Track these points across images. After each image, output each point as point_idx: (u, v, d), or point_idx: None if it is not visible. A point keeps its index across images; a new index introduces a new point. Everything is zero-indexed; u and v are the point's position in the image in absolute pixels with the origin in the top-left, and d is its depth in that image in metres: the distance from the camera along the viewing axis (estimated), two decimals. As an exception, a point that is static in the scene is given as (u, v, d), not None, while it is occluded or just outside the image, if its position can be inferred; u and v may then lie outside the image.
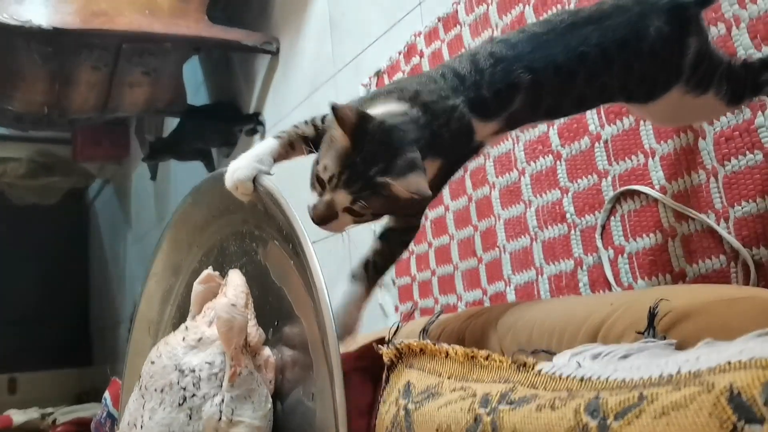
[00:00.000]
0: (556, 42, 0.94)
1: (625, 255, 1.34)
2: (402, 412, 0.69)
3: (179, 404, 0.88)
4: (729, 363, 0.40)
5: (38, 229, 5.45)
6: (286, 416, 0.95)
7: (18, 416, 4.00)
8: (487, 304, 1.69)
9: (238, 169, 0.96)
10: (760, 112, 1.13)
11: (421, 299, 1.92)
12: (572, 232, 1.46)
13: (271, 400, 0.94)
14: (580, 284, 1.43)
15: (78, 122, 3.39)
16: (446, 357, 0.72)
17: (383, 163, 0.84)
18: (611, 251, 1.37)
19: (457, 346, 0.72)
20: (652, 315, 0.67)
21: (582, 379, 0.52)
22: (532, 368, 0.59)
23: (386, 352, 0.83)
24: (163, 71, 2.85)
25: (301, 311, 0.93)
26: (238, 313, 0.90)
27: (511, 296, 1.61)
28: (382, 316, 2.05)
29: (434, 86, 0.94)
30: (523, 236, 1.58)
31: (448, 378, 0.69)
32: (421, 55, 1.94)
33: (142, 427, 0.90)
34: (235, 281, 0.98)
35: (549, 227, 1.51)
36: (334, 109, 0.83)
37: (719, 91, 1.01)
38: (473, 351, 0.69)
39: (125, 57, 2.65)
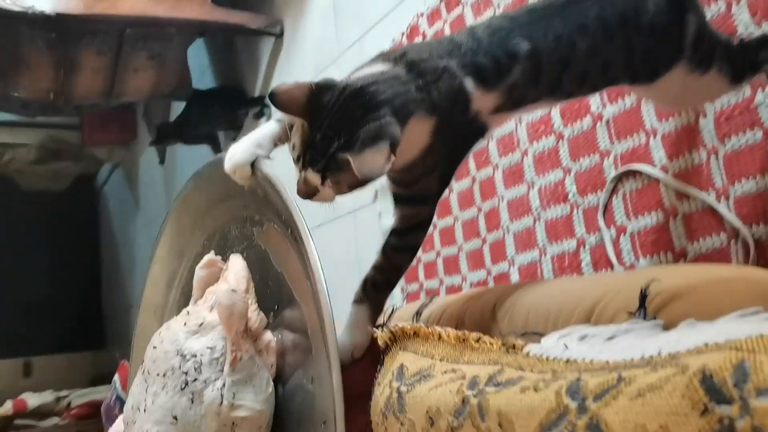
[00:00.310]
0: (555, 14, 0.92)
1: (627, 234, 1.34)
2: (395, 395, 0.70)
3: (181, 389, 0.89)
4: (706, 344, 0.41)
5: (49, 214, 5.49)
6: (287, 399, 0.96)
7: (33, 399, 4.05)
8: (491, 284, 1.69)
9: (236, 153, 0.96)
10: (760, 90, 1.12)
11: (426, 280, 1.93)
12: (575, 212, 1.46)
13: (272, 383, 0.95)
14: (583, 264, 1.44)
15: (84, 108, 3.39)
16: (439, 340, 0.72)
17: (345, 135, 0.79)
18: (613, 231, 1.37)
19: (449, 329, 0.73)
20: (643, 296, 0.67)
21: (567, 361, 0.52)
22: (521, 350, 0.60)
23: (381, 336, 0.83)
24: (167, 56, 2.84)
25: (300, 296, 0.93)
26: (239, 298, 0.91)
27: (514, 277, 1.62)
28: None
29: (426, 47, 0.92)
30: (526, 216, 1.59)
31: (440, 360, 0.70)
32: (424, 36, 1.93)
33: (145, 410, 0.91)
34: (237, 266, 0.99)
35: (551, 207, 1.52)
36: (271, 95, 0.81)
37: (721, 69, 1.01)
38: (464, 334, 0.69)
39: (129, 42, 2.64)
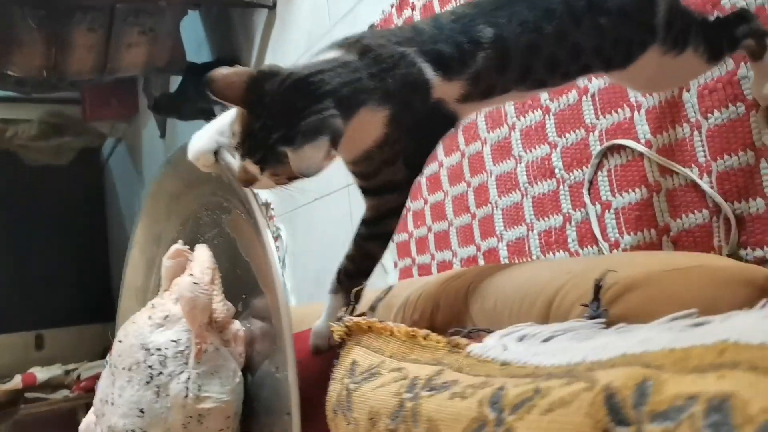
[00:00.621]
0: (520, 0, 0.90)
1: (612, 210, 1.33)
2: (344, 392, 0.69)
3: (146, 382, 0.89)
4: (624, 355, 0.40)
5: (56, 189, 5.51)
6: (257, 388, 0.96)
7: (41, 374, 4.10)
8: (481, 260, 1.69)
9: (199, 141, 0.94)
10: (743, 63, 1.10)
11: (418, 255, 1.92)
12: (561, 187, 1.44)
13: (240, 374, 0.95)
14: (569, 240, 1.43)
15: (80, 84, 3.38)
16: (391, 335, 0.71)
17: (284, 128, 0.76)
18: (598, 206, 1.35)
19: (401, 325, 0.71)
20: (597, 287, 0.66)
21: (503, 364, 0.51)
22: (464, 349, 0.59)
23: (336, 330, 0.81)
24: (160, 30, 2.81)
25: (265, 284, 0.93)
26: (202, 291, 0.90)
27: (503, 252, 1.61)
28: (382, 272, 2.06)
29: (385, 34, 0.89)
30: (513, 192, 1.57)
31: (390, 357, 0.68)
32: (413, 8, 1.90)
33: (113, 404, 0.91)
34: (201, 257, 0.98)
35: (539, 183, 1.50)
36: (208, 81, 0.77)
37: (697, 48, 0.98)
38: (414, 330, 0.68)
39: (120, 17, 2.62)
